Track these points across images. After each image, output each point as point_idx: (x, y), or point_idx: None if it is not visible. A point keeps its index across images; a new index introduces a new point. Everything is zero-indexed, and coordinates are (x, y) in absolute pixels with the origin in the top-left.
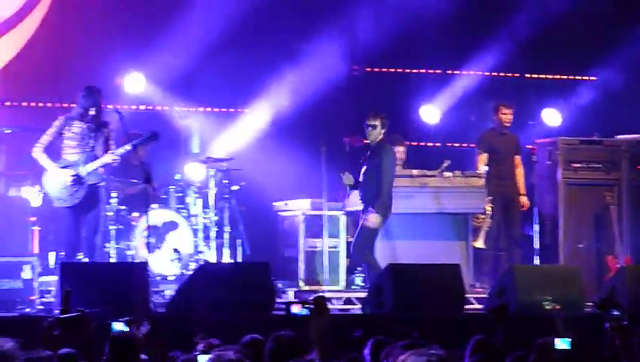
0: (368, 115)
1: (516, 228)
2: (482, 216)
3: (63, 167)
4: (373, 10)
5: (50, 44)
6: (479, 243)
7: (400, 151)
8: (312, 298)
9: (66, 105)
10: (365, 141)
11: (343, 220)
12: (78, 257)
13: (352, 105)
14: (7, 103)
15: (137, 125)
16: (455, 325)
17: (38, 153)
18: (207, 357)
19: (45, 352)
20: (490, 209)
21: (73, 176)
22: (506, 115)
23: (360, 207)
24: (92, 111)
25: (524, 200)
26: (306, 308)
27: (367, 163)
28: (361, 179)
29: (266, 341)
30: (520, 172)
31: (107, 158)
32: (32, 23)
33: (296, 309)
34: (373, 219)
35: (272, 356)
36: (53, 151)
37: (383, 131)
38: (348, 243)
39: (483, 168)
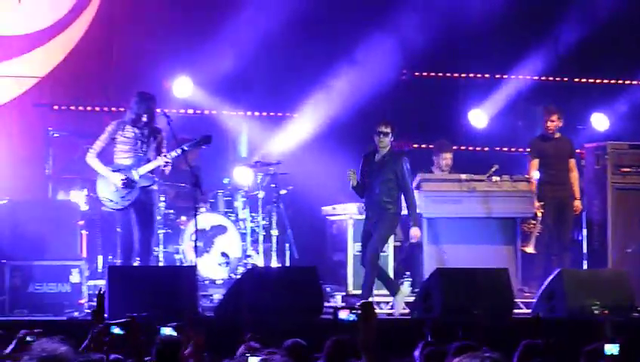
0: (380, 123)
1: (567, 233)
2: (533, 222)
3: (114, 171)
4: (421, 15)
5: (98, 48)
6: (530, 249)
7: (447, 157)
8: (359, 303)
9: (114, 109)
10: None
11: None
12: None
13: (401, 110)
14: (55, 107)
15: (185, 129)
16: (504, 329)
17: (91, 158)
18: (257, 359)
19: (96, 355)
20: (540, 214)
21: (125, 179)
22: (553, 122)
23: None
24: (145, 118)
25: (577, 203)
26: (354, 313)
27: (382, 170)
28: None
29: (308, 346)
30: (574, 176)
31: (159, 161)
32: (80, 26)
33: (344, 315)
34: (418, 234)
35: (330, 359)
36: (106, 155)
37: (392, 139)
38: (395, 248)
39: (535, 173)
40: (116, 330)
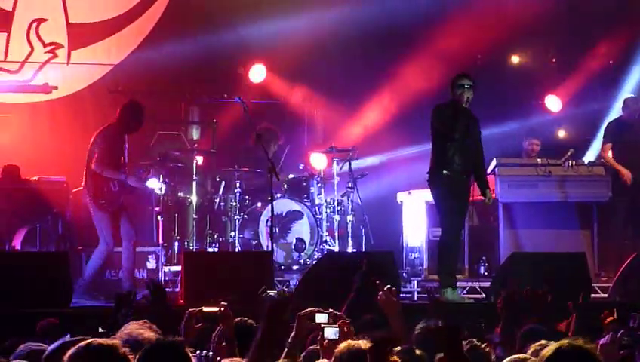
0: (460, 76)
1: None
2: None
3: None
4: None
5: (171, 34)
6: None
7: (535, 142)
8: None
9: (188, 95)
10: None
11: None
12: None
13: (476, 94)
14: (130, 94)
15: (261, 115)
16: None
17: (103, 169)
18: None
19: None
20: None
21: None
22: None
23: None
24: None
25: None
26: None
27: (475, 128)
28: (470, 143)
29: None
30: None
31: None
32: (154, 12)
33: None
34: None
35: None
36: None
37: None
38: (471, 232)
39: (608, 157)
40: (208, 311)
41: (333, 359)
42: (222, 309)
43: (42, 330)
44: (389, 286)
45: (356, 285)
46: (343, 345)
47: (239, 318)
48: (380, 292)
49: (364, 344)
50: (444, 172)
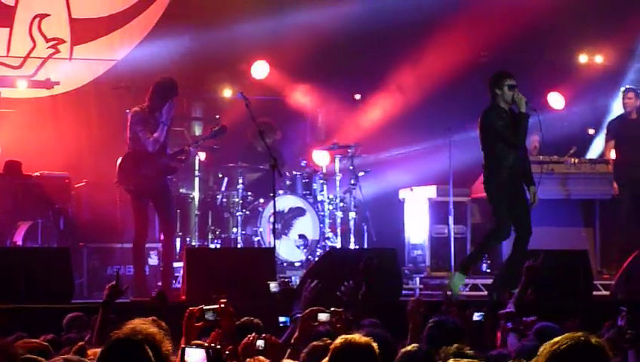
0: (506, 76)
1: None
2: None
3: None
4: None
5: (174, 31)
6: None
7: (535, 140)
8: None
9: (189, 91)
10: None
11: (469, 206)
12: None
13: (479, 91)
14: (133, 89)
15: (262, 111)
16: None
17: (146, 145)
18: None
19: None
20: None
21: None
22: (630, 99)
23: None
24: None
25: None
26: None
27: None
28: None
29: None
30: None
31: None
32: (157, 8)
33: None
34: None
35: (430, 340)
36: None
37: None
38: (474, 229)
39: (611, 155)
40: (209, 315)
41: (329, 354)
42: (222, 307)
43: (68, 323)
44: (417, 297)
45: (359, 280)
46: (338, 340)
47: (245, 318)
48: (410, 300)
49: (359, 338)
50: (505, 174)
